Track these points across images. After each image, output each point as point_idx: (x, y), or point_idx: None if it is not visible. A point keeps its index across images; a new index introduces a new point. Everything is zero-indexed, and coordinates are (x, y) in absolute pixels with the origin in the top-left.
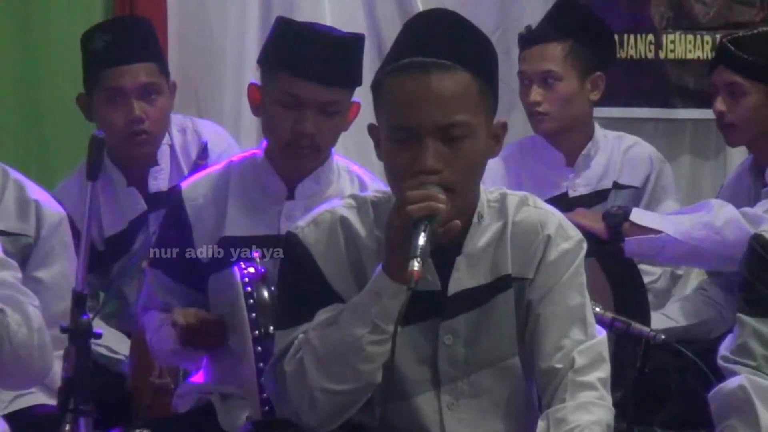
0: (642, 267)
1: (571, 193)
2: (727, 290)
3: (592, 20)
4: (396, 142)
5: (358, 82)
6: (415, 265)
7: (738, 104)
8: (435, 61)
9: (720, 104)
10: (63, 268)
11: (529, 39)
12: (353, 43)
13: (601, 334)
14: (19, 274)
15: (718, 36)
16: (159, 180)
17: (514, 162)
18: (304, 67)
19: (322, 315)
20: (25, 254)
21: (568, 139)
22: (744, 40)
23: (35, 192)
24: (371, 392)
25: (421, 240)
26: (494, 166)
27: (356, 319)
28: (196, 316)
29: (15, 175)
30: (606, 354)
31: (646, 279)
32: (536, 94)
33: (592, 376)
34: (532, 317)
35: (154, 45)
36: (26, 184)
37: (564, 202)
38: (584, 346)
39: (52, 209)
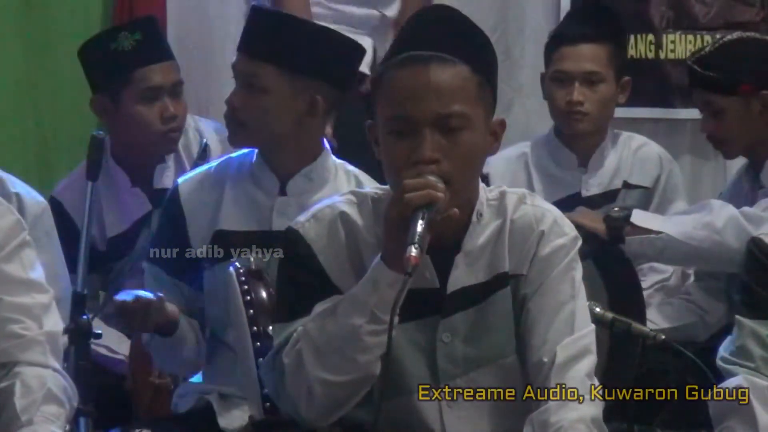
0: (653, 265)
1: (584, 193)
2: (712, 295)
3: (622, 25)
4: (394, 134)
5: (290, 65)
6: (413, 251)
7: (721, 121)
8: (434, 54)
9: (703, 124)
10: (48, 258)
11: (571, 37)
12: (282, 19)
13: (588, 327)
14: (47, 297)
15: (718, 36)
16: (165, 177)
17: (527, 161)
18: (240, 40)
19: (321, 306)
20: None
21: (586, 139)
22: (707, 59)
23: (16, 185)
24: (370, 385)
25: (419, 227)
26: (506, 166)
27: (354, 309)
28: (133, 294)
29: None
30: (593, 346)
31: (658, 277)
32: (579, 93)
33: (575, 371)
34: (524, 312)
35: (168, 43)
36: (6, 177)
37: (577, 202)
38: (568, 339)
39: (34, 200)
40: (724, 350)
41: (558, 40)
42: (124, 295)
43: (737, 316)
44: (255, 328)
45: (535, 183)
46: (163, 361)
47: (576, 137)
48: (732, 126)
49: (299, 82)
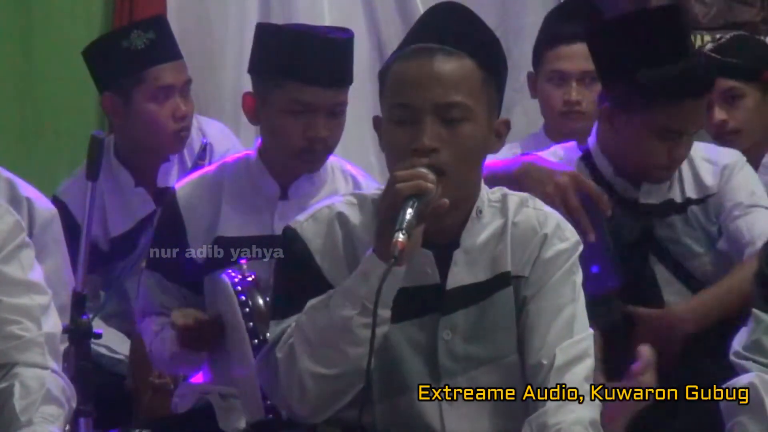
0: None
1: None
2: None
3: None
4: (396, 123)
5: (353, 79)
6: (400, 236)
7: (738, 108)
8: (440, 47)
9: (719, 114)
10: (56, 265)
11: (565, 37)
12: (350, 44)
13: (587, 331)
14: (45, 298)
15: (718, 36)
16: (168, 176)
17: None
18: (312, 73)
19: (314, 300)
20: None
21: (578, 139)
22: (726, 47)
23: (27, 190)
24: (362, 381)
25: (408, 215)
26: None
27: (345, 301)
28: (194, 317)
29: (6, 173)
30: (591, 349)
31: None
32: (578, 93)
33: (574, 373)
34: (524, 313)
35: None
36: (17, 182)
37: None
38: (567, 342)
39: (44, 206)
40: (737, 344)
41: (552, 40)
42: (181, 317)
43: (754, 310)
44: (256, 340)
45: None
46: (170, 367)
47: (569, 136)
48: (749, 113)
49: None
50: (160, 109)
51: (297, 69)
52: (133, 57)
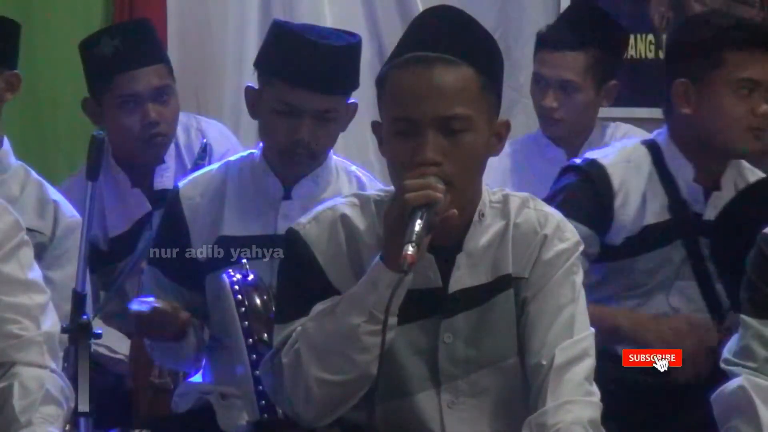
0: None
1: None
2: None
3: (615, 29)
4: (398, 135)
5: (355, 86)
6: (410, 249)
7: None
8: (438, 56)
9: None
10: (72, 271)
11: (550, 42)
12: (349, 51)
13: (588, 331)
14: (44, 297)
15: None
16: (165, 178)
17: (517, 159)
18: (299, 75)
19: (320, 306)
20: (38, 251)
21: (571, 138)
22: None
23: (55, 194)
24: (368, 386)
25: (417, 226)
26: (498, 164)
27: (353, 309)
28: (151, 306)
29: (35, 176)
30: (592, 349)
31: None
32: (552, 99)
33: (573, 373)
34: (524, 314)
35: (160, 46)
36: (47, 186)
37: None
38: (567, 342)
39: (71, 213)
40: (727, 351)
41: (538, 44)
42: (140, 306)
43: (742, 316)
44: (251, 340)
45: (525, 179)
46: (163, 359)
47: (564, 137)
48: None
49: (347, 99)
50: (128, 117)
51: (285, 69)
52: (101, 63)
